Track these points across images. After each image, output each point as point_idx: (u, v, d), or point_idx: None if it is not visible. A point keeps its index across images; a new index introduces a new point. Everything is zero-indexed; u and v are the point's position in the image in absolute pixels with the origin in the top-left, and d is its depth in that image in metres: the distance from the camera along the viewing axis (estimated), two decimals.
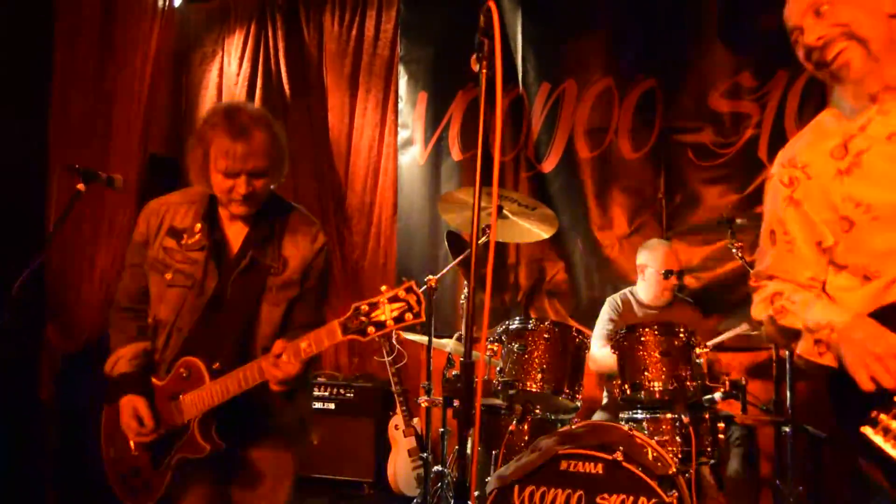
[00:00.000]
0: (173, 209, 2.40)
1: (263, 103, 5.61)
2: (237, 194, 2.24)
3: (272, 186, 2.36)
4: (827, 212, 1.77)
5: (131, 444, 2.34)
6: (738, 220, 3.72)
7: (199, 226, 2.34)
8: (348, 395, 4.89)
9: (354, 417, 4.81)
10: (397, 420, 4.70)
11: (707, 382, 3.20)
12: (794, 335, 1.79)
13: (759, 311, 1.91)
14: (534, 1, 5.00)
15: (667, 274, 4.04)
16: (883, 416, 1.61)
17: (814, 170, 1.79)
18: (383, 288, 2.04)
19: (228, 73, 5.76)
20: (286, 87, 5.60)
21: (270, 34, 5.69)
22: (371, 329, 2.03)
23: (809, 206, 1.80)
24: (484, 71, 1.82)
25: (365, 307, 2.04)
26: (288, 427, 2.42)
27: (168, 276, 2.33)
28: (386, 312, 2.02)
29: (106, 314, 4.51)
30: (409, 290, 2.02)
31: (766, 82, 4.50)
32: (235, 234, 2.37)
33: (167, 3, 5.04)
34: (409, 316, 2.01)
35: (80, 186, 2.99)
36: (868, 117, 1.75)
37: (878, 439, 1.61)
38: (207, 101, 5.76)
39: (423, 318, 2.02)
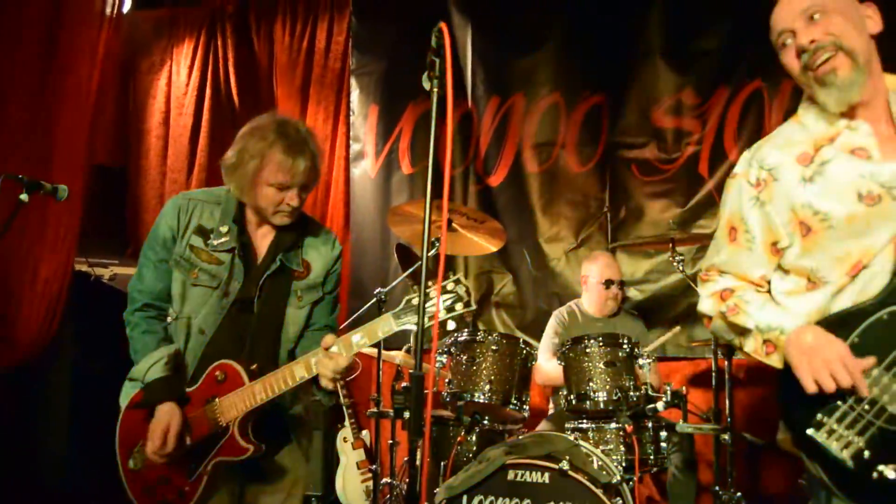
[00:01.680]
0: (201, 207, 2.41)
1: (212, 113, 5.57)
2: (287, 206, 2.31)
3: None
4: (787, 214, 1.85)
5: (154, 456, 2.25)
6: (680, 234, 3.82)
7: (226, 227, 2.36)
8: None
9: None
10: (346, 433, 4.69)
11: (649, 392, 3.28)
12: (742, 332, 1.87)
13: (707, 305, 1.98)
14: (484, 17, 5.09)
15: (607, 283, 4.15)
16: (827, 419, 1.70)
17: (780, 173, 1.86)
18: (430, 282, 2.07)
19: (177, 82, 5.70)
20: (235, 97, 5.58)
21: (220, 44, 5.66)
22: (425, 319, 2.06)
23: (772, 208, 1.87)
24: (435, 90, 1.85)
25: (416, 299, 2.08)
26: (301, 432, 2.46)
27: (193, 274, 2.33)
28: (438, 303, 2.06)
29: (49, 328, 4.45)
30: (457, 281, 2.09)
31: (706, 99, 4.67)
32: (261, 238, 2.42)
33: (115, 10, 4.95)
34: (459, 306, 2.07)
35: (23, 197, 2.93)
36: (837, 130, 1.83)
37: (822, 440, 1.69)
38: (155, 111, 5.69)
39: (474, 307, 2.08)
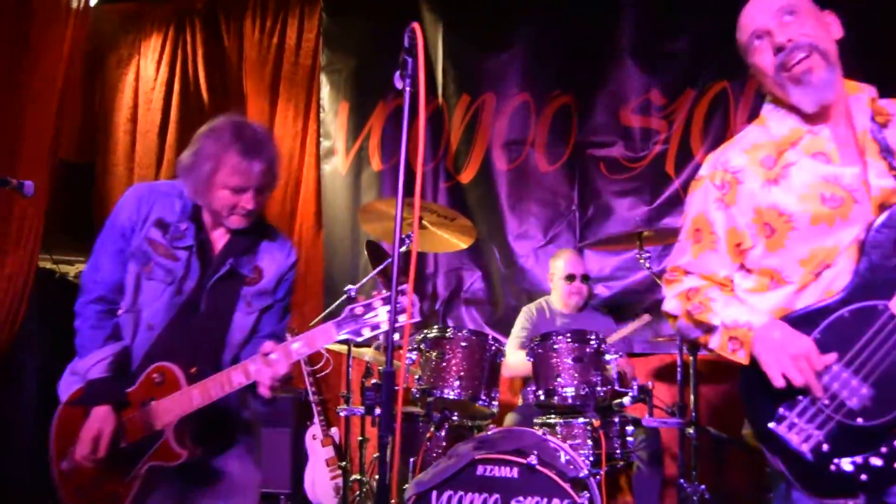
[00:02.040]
0: (163, 199, 2.35)
1: (181, 109, 5.53)
2: (242, 209, 2.26)
3: None
4: (751, 216, 1.88)
5: (84, 460, 2.20)
6: (646, 232, 3.88)
7: (185, 224, 2.32)
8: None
9: (270, 428, 4.76)
10: (315, 430, 4.69)
11: (616, 387, 3.33)
12: (708, 330, 1.90)
13: (672, 304, 2.01)
14: (455, 16, 5.11)
15: (569, 278, 4.21)
16: (788, 413, 1.74)
17: (745, 176, 1.90)
18: (374, 292, 2.08)
19: (145, 77, 5.64)
20: (204, 93, 5.54)
21: (189, 39, 5.62)
22: (366, 330, 2.07)
23: (737, 210, 1.91)
24: (407, 89, 1.87)
25: (359, 309, 2.07)
26: (252, 436, 2.42)
27: (148, 268, 2.28)
28: (381, 314, 2.06)
29: (12, 326, 4.39)
30: (402, 292, 2.02)
31: (673, 100, 4.74)
32: (217, 238, 2.37)
33: (82, 3, 4.88)
34: (403, 317, 2.01)
35: None
36: (799, 134, 1.87)
37: (783, 433, 1.74)
38: (123, 106, 5.63)
39: (418, 318, 2.04)
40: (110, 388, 2.21)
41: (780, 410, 1.76)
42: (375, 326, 2.06)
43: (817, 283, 1.81)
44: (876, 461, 1.69)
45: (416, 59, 1.87)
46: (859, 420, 1.69)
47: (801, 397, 1.74)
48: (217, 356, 2.30)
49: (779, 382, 1.72)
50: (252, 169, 2.22)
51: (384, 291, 2.08)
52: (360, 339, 2.09)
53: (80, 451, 2.16)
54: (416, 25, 1.88)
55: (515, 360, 3.99)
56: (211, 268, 2.33)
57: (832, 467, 1.71)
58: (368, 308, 2.08)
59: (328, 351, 4.62)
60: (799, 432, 1.73)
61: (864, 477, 1.69)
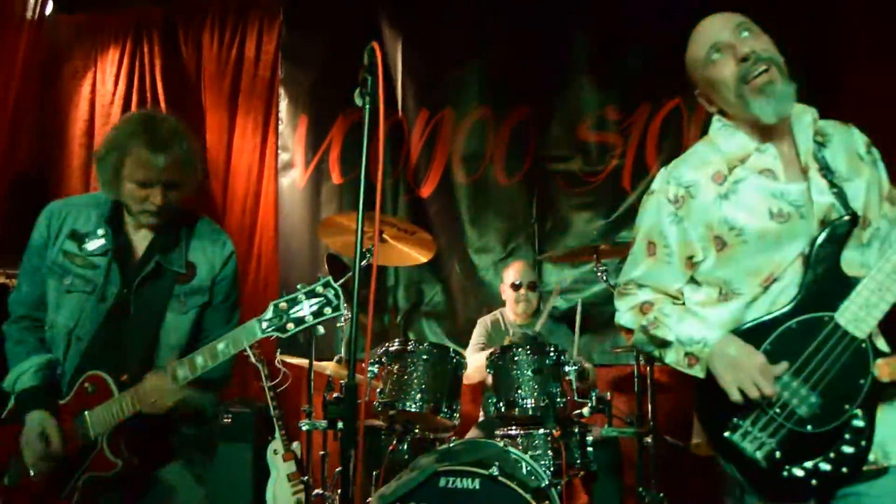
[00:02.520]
0: (75, 212, 2.32)
1: None
2: (151, 205, 2.21)
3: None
4: (703, 230, 1.93)
5: (31, 468, 2.16)
6: (603, 246, 3.94)
7: (102, 230, 2.27)
8: (225, 420, 4.79)
9: (231, 443, 4.72)
10: (276, 445, 4.65)
11: (576, 398, 3.38)
12: (663, 345, 1.95)
13: (627, 318, 2.05)
14: (414, 31, 5.16)
15: (514, 286, 4.25)
16: (742, 422, 1.81)
17: (696, 191, 1.94)
18: (300, 286, 2.05)
19: (102, 90, 5.57)
20: (163, 105, 5.47)
21: (147, 51, 5.56)
22: (290, 325, 2.03)
23: (689, 224, 1.95)
24: (367, 106, 1.90)
25: (283, 304, 2.04)
26: (199, 445, 2.38)
27: (66, 281, 2.24)
28: (305, 308, 2.02)
29: None
30: (326, 284, 2.03)
31: (629, 115, 4.85)
32: (140, 239, 2.32)
33: (36, 13, 4.80)
34: (328, 310, 2.02)
35: None
36: (747, 152, 1.92)
37: (738, 441, 1.81)
38: (79, 118, 5.54)
39: (343, 311, 2.03)
40: (38, 394, 2.18)
41: (735, 420, 1.82)
42: (299, 321, 2.03)
43: (766, 296, 1.87)
44: (825, 466, 1.75)
45: (376, 78, 1.90)
46: (809, 427, 1.76)
47: (753, 407, 1.80)
48: (150, 359, 2.23)
49: (735, 397, 1.78)
50: (156, 162, 2.15)
51: (305, 286, 2.05)
52: (285, 336, 2.04)
53: (32, 453, 2.12)
54: (375, 44, 1.90)
55: (476, 361, 4.01)
56: (135, 268, 2.27)
57: (785, 473, 1.77)
58: (293, 303, 2.04)
59: (286, 364, 4.58)
60: (752, 441, 1.80)
61: (814, 482, 1.76)
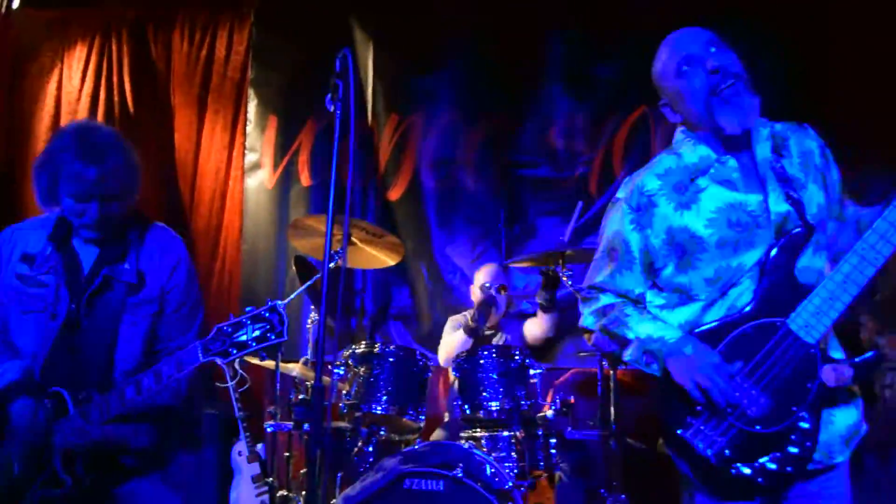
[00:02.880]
0: (25, 235, 2.31)
1: (106, 119, 5.40)
2: (90, 218, 2.18)
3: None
4: (665, 237, 2.00)
5: (16, 463, 2.12)
6: (569, 251, 4.00)
7: (49, 249, 2.25)
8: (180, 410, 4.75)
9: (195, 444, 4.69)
10: (240, 446, 4.63)
11: (539, 400, 3.43)
12: (624, 344, 2.02)
13: (589, 321, 2.12)
14: (385, 35, 5.18)
15: (482, 288, 4.30)
16: (695, 421, 1.88)
17: (659, 199, 2.01)
18: (247, 308, 2.03)
19: (69, 86, 5.49)
20: (131, 104, 5.43)
21: (115, 48, 5.50)
22: (233, 350, 2.01)
23: (650, 231, 2.02)
24: (338, 112, 1.92)
25: (228, 328, 2.02)
26: (165, 459, 2.35)
27: (23, 303, 2.24)
28: (249, 332, 2.01)
29: None
30: (271, 309, 2.01)
31: (597, 122, 4.92)
32: (88, 253, 2.29)
33: (3, 8, 4.72)
34: (271, 336, 2.00)
35: None
36: (708, 163, 2.00)
37: (689, 438, 1.87)
38: (45, 116, 5.46)
39: (286, 338, 2.01)
40: (21, 386, 2.16)
41: (688, 418, 1.88)
42: (241, 346, 2.01)
43: (723, 300, 1.94)
44: (771, 465, 1.82)
45: (348, 84, 1.92)
46: (758, 427, 1.83)
47: (705, 405, 1.86)
48: (106, 373, 2.22)
49: (694, 394, 1.85)
50: (88, 175, 2.11)
51: (251, 311, 2.04)
52: (226, 360, 2.02)
53: (18, 446, 2.10)
54: (347, 51, 1.93)
55: (448, 342, 4.07)
56: (83, 283, 2.25)
57: (732, 471, 1.84)
58: (237, 327, 2.02)
59: (251, 365, 4.57)
60: (704, 438, 1.86)
61: (760, 480, 1.83)
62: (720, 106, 1.93)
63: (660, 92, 2.10)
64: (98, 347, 2.22)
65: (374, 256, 4.06)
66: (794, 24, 4.60)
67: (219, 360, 2.02)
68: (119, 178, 2.18)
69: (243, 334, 2.01)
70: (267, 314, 2.01)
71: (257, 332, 2.01)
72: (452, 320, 4.44)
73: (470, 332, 3.87)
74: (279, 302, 2.04)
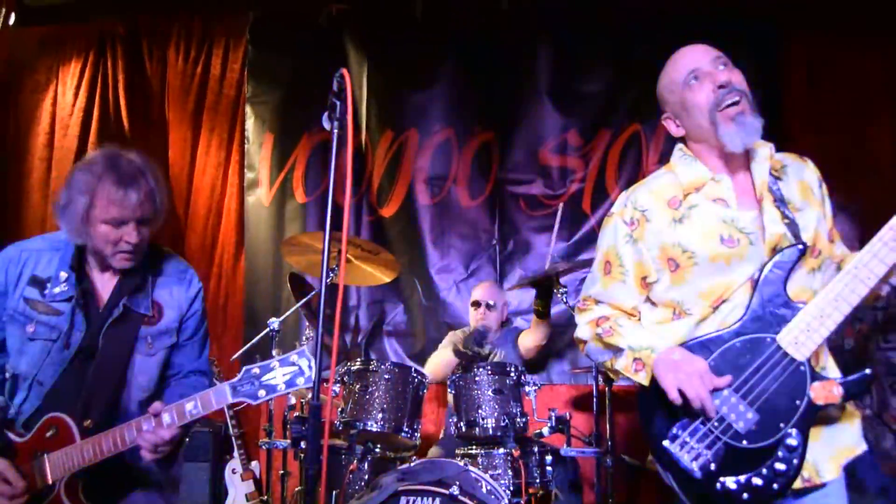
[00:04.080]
0: (35, 256, 2.27)
1: (99, 136, 5.42)
2: (126, 244, 2.16)
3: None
4: (657, 252, 2.03)
5: None
6: (563, 268, 4.02)
7: (64, 274, 2.23)
8: (181, 441, 4.73)
9: (189, 462, 4.66)
10: (234, 464, 4.61)
11: (535, 418, 3.43)
12: (615, 352, 2.05)
13: (584, 331, 2.16)
14: (379, 53, 5.22)
15: (474, 304, 4.31)
16: (681, 433, 1.90)
17: (652, 215, 2.05)
18: (275, 351, 2.07)
19: (63, 102, 5.51)
20: (125, 120, 5.44)
21: (110, 64, 5.52)
22: (262, 392, 2.04)
23: (644, 245, 2.06)
24: (336, 131, 1.93)
25: (256, 370, 2.05)
26: (162, 484, 2.34)
27: (30, 328, 2.20)
28: (278, 376, 2.04)
29: None
30: (301, 353, 2.05)
31: (590, 140, 4.97)
32: (105, 282, 2.28)
33: None
34: (300, 380, 2.03)
35: None
36: (703, 181, 2.03)
37: (675, 451, 1.90)
38: (39, 133, 5.47)
39: (311, 385, 2.03)
40: None
41: (674, 430, 1.91)
42: (272, 389, 2.04)
43: (715, 316, 1.97)
44: (757, 481, 1.84)
45: (345, 104, 1.93)
46: (744, 442, 1.86)
47: (693, 418, 1.89)
48: (116, 403, 2.22)
49: (674, 396, 1.87)
50: (128, 199, 2.12)
51: (282, 353, 2.07)
52: (256, 402, 2.06)
53: None
54: (345, 71, 1.94)
55: (437, 357, 4.06)
56: (101, 314, 2.24)
57: (718, 485, 1.86)
58: (265, 369, 2.05)
59: None
60: (690, 451, 1.89)
61: (745, 495, 1.85)
62: (724, 122, 1.96)
63: (663, 105, 2.14)
64: (111, 377, 2.21)
65: (369, 273, 4.06)
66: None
67: (248, 401, 2.06)
68: (153, 202, 2.19)
69: (273, 378, 2.04)
70: (297, 359, 2.05)
71: (287, 377, 2.05)
72: (452, 335, 4.44)
73: (458, 354, 3.86)
74: (306, 348, 2.08)
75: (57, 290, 2.23)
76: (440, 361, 4.12)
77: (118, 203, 2.12)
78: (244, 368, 2.06)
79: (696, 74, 2.01)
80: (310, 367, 2.04)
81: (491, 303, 4.38)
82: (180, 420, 2.07)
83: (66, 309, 2.22)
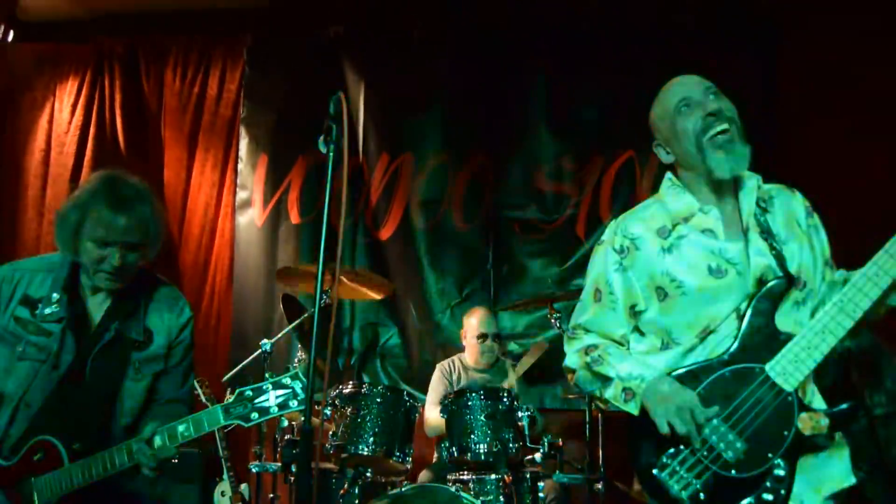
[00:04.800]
0: (28, 276, 2.28)
1: (95, 154, 5.42)
2: (108, 265, 2.18)
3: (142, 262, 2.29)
4: (646, 280, 2.05)
5: None
6: (557, 293, 4.03)
7: (56, 295, 2.23)
8: (172, 459, 4.68)
9: (178, 483, 4.61)
10: (224, 486, 4.56)
11: (528, 444, 3.41)
12: (604, 381, 2.05)
13: (573, 359, 2.16)
14: (376, 77, 5.26)
15: (481, 337, 4.30)
16: (671, 461, 1.90)
17: (642, 243, 2.07)
18: (268, 374, 2.07)
19: (59, 119, 5.52)
20: (121, 138, 5.46)
21: (107, 83, 5.54)
22: (255, 415, 2.05)
23: (633, 274, 2.07)
24: (331, 154, 1.94)
25: (249, 392, 2.05)
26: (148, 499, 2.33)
27: (18, 348, 2.20)
28: (271, 399, 2.04)
29: None
30: (294, 377, 2.05)
31: (584, 166, 4.99)
32: (97, 305, 2.29)
33: None
34: (293, 403, 2.04)
35: None
36: (692, 211, 2.06)
37: (665, 479, 1.90)
38: (35, 150, 5.48)
39: (301, 408, 2.03)
40: None
41: (664, 459, 1.91)
42: (264, 411, 2.05)
43: (702, 347, 1.99)
44: None
45: (341, 127, 1.94)
46: (733, 472, 1.86)
47: (682, 447, 1.89)
48: (105, 426, 2.22)
49: (664, 429, 1.88)
50: (116, 222, 2.15)
51: (275, 376, 2.09)
52: (247, 425, 2.07)
53: None
54: (342, 95, 1.95)
55: (432, 417, 4.01)
56: (92, 336, 2.25)
57: None
58: (258, 392, 2.06)
59: None
60: (679, 480, 1.89)
61: None
62: (712, 149, 1.99)
63: (654, 132, 2.17)
64: (100, 400, 2.22)
65: (360, 290, 4.07)
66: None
67: (240, 423, 2.06)
68: (143, 230, 2.22)
69: (266, 400, 2.05)
70: (289, 381, 2.06)
71: (280, 399, 2.05)
72: (441, 368, 4.42)
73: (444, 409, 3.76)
74: (300, 369, 2.10)
75: (48, 311, 2.23)
76: (435, 425, 4.07)
77: (105, 225, 2.16)
78: (237, 391, 2.07)
79: (688, 102, 2.04)
80: (303, 389, 2.04)
81: (498, 333, 4.38)
82: (172, 442, 2.07)
83: (57, 330, 2.22)
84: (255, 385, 2.07)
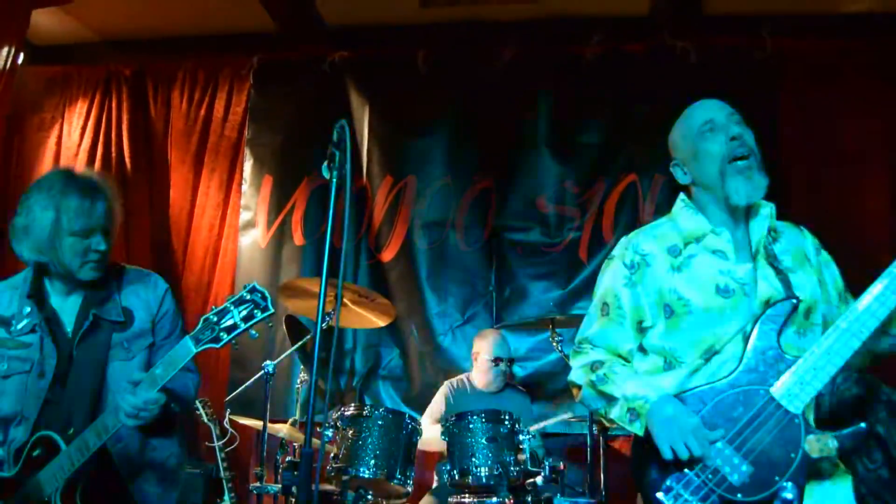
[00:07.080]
0: None
1: None
2: (95, 253, 2.22)
3: None
4: (655, 297, 2.07)
5: None
6: (559, 316, 4.03)
7: (28, 308, 2.26)
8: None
9: None
10: None
11: (529, 467, 3.40)
12: (610, 400, 2.05)
13: (578, 375, 2.15)
14: (381, 100, 5.30)
15: (496, 361, 4.30)
16: (675, 485, 1.89)
17: (652, 260, 2.09)
18: (228, 297, 2.07)
19: (68, 141, 5.57)
20: (128, 160, 5.49)
21: (115, 105, 5.59)
22: (223, 334, 2.05)
23: (642, 289, 2.09)
24: (335, 180, 1.97)
25: (213, 317, 2.06)
26: (154, 495, 2.34)
27: (3, 366, 2.23)
28: (235, 315, 2.05)
29: None
30: (252, 290, 2.07)
31: (586, 189, 5.01)
32: (69, 306, 2.31)
33: (8, 64, 4.75)
34: (257, 312, 2.05)
35: None
36: (703, 232, 2.09)
37: (669, 503, 1.87)
38: (43, 170, 5.46)
39: (272, 310, 2.05)
40: None
41: (668, 482, 1.90)
42: (231, 328, 2.05)
43: (707, 367, 2.00)
44: None
45: (345, 154, 1.97)
46: (739, 495, 1.85)
47: (687, 470, 1.88)
48: (95, 410, 2.22)
49: (667, 454, 1.87)
50: (95, 209, 2.21)
51: (232, 295, 2.09)
52: (219, 345, 2.06)
53: None
54: (345, 122, 1.98)
55: (428, 432, 4.00)
56: (71, 332, 2.27)
57: None
58: (222, 313, 2.07)
59: (237, 425, 4.51)
60: None
61: None
62: (732, 175, 2.03)
63: (673, 151, 2.21)
64: (86, 387, 2.23)
65: (365, 317, 4.07)
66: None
67: (213, 346, 2.06)
68: (113, 213, 2.28)
69: (230, 318, 2.05)
70: (248, 295, 2.07)
71: (244, 313, 2.05)
72: (447, 386, 4.41)
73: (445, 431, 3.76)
74: (255, 282, 2.11)
75: (21, 325, 2.26)
76: (425, 438, 4.06)
77: (85, 213, 2.20)
78: (202, 318, 2.07)
79: (712, 126, 2.09)
80: (264, 297, 2.05)
81: (512, 358, 4.38)
82: (153, 386, 2.06)
83: (35, 340, 2.25)
84: (217, 308, 2.07)
